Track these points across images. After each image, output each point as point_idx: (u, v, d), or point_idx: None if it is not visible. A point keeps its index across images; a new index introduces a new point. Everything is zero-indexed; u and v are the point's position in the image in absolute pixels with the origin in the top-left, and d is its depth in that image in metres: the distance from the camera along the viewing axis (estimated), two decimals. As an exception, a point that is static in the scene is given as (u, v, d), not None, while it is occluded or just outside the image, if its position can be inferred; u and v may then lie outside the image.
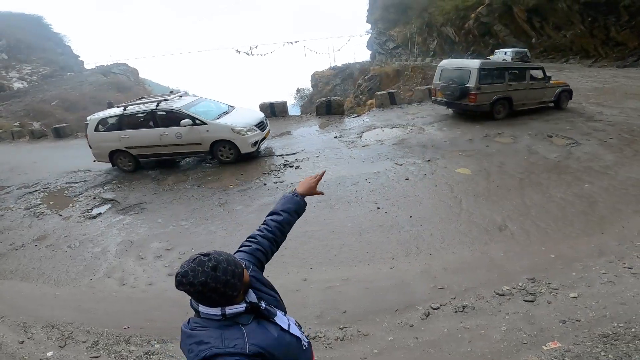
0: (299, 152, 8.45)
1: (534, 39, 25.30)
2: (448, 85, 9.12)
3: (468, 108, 9.13)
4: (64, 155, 11.48)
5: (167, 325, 3.58)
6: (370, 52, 56.47)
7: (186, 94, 9.79)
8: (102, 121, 8.63)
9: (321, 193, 1.89)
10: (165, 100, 8.60)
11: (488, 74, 8.84)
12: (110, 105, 12.66)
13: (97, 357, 3.31)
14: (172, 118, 8.15)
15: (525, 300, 3.16)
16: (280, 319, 1.39)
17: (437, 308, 3.22)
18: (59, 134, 14.65)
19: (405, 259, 4.10)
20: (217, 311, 1.27)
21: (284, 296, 3.60)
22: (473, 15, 28.60)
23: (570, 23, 21.81)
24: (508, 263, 3.80)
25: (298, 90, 54.84)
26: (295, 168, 7.49)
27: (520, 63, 12.55)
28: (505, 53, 22.37)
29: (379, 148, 8.13)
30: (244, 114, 8.93)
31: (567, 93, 9.89)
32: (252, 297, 1.33)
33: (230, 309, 1.27)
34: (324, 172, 1.92)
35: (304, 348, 1.44)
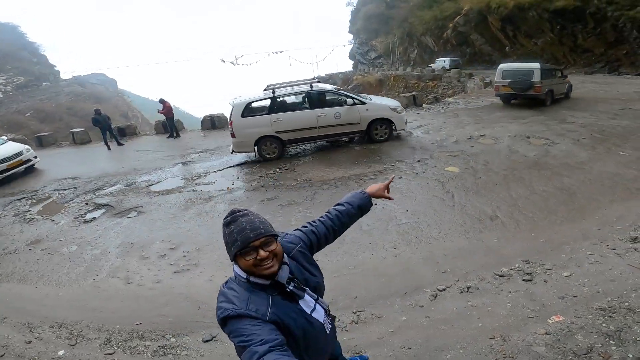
0: (294, 157, 8.63)
1: (507, 47, 26.54)
2: (516, 81, 11.49)
3: (533, 96, 11.48)
4: (49, 163, 11.25)
5: (180, 320, 3.64)
6: (352, 62, 57.42)
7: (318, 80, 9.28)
8: (249, 106, 8.17)
9: (390, 198, 1.95)
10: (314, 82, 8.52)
11: (545, 72, 11.38)
12: (97, 113, 12.52)
13: (111, 353, 3.30)
14: (323, 100, 8.21)
15: (523, 280, 3.42)
16: (306, 302, 1.42)
17: (444, 290, 3.44)
18: (41, 143, 14.30)
19: (406, 247, 4.34)
20: (244, 274, 1.35)
21: (294, 286, 3.78)
22: (451, 24, 29.77)
23: (541, 31, 23.05)
24: (502, 248, 4.09)
25: None
26: (291, 171, 7.66)
27: (551, 65, 14.58)
28: (444, 61, 28.10)
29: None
30: (381, 99, 9.44)
31: (570, 86, 13.04)
32: (284, 273, 1.37)
33: (255, 279, 1.34)
34: (392, 178, 2.03)
35: (327, 332, 1.48)
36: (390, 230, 4.76)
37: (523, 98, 11.90)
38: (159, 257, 4.93)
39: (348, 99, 8.25)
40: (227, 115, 13.27)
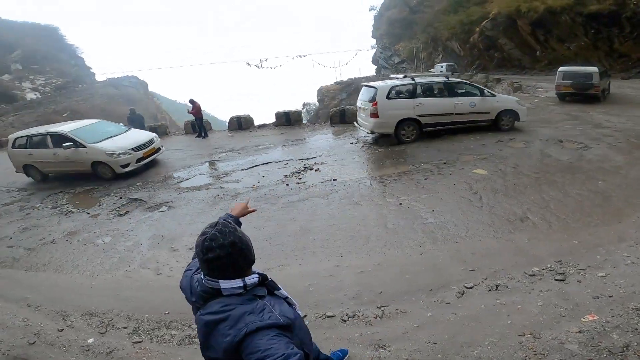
0: (317, 157, 8.72)
1: (538, 52, 25.79)
2: (578, 82, 12.72)
3: (592, 95, 12.60)
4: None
5: None
6: (375, 66, 57.26)
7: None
8: (393, 89, 8.77)
9: (253, 210, 2.04)
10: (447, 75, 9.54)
11: (602, 74, 12.80)
12: (132, 112, 13.08)
13: (139, 342, 3.38)
14: (458, 90, 9.04)
15: (556, 280, 3.34)
16: (282, 291, 1.43)
17: (471, 287, 3.40)
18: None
19: (433, 246, 4.31)
20: (239, 282, 1.27)
21: (318, 281, 3.82)
22: (478, 29, 29.23)
23: (574, 35, 22.29)
24: (533, 248, 4.00)
25: (305, 105, 55.23)
26: (315, 170, 7.74)
27: (602, 67, 15.26)
28: (442, 66, 29.82)
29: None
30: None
31: (609, 83, 14.12)
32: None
33: (249, 279, 1.29)
34: (248, 199, 2.29)
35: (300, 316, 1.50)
36: (416, 229, 4.74)
37: (583, 97, 13.02)
38: (188, 250, 5.09)
39: (481, 91, 9.11)
40: (253, 117, 13.66)
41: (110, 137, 9.52)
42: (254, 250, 1.35)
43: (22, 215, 7.71)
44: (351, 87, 50.16)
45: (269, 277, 1.39)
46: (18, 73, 46.46)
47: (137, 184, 8.56)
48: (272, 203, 6.36)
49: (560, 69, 13.79)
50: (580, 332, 2.61)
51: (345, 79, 52.51)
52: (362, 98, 9.44)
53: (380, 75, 49.88)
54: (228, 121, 13.75)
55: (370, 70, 57.13)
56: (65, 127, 9.75)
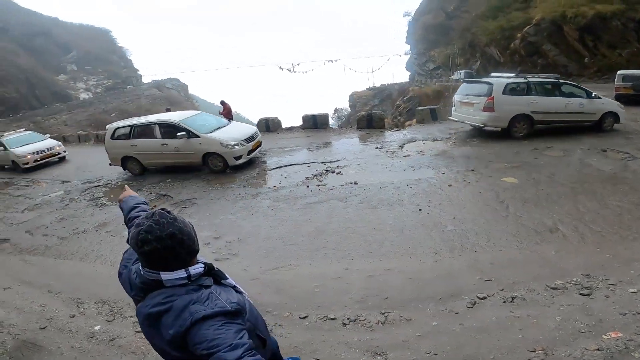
0: (340, 160, 8.64)
1: (586, 59, 24.26)
2: (639, 84, 12.95)
3: None
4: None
5: None
6: (409, 73, 56.37)
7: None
8: (509, 85, 9.03)
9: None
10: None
11: None
12: (167, 112, 13.71)
13: (140, 331, 3.50)
14: (567, 91, 9.22)
15: (580, 294, 3.07)
16: (229, 280, 1.37)
17: (484, 298, 3.19)
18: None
19: (449, 254, 4.10)
20: (182, 273, 1.19)
21: (325, 283, 3.74)
22: (519, 35, 27.98)
23: (626, 41, 20.81)
24: (561, 261, 3.71)
25: (336, 110, 55.17)
26: (337, 173, 7.67)
27: None
28: (460, 73, 33.50)
29: (420, 158, 8.14)
30: None
31: None
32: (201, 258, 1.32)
33: (194, 269, 1.22)
34: (126, 186, 2.01)
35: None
36: (433, 236, 4.54)
37: None
38: (203, 245, 5.19)
39: (588, 93, 9.14)
40: (282, 119, 13.84)
41: (218, 129, 9.09)
42: (197, 239, 1.27)
43: (62, 206, 8.25)
44: (383, 93, 49.69)
45: (215, 267, 1.31)
46: (73, 74, 50.26)
47: (167, 180, 8.90)
48: (291, 204, 6.36)
49: (619, 72, 14.18)
50: (598, 349, 2.36)
51: (377, 84, 52.02)
52: (468, 92, 9.67)
53: (414, 81, 49.00)
54: (256, 123, 14.00)
55: (404, 76, 56.24)
56: (173, 117, 9.40)
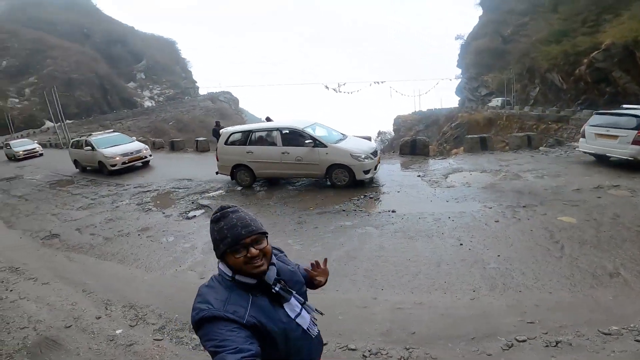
0: (380, 187, 8.37)
1: (662, 89, 22.05)
2: None
3: None
4: (174, 165, 13.29)
5: None
6: (459, 98, 54.71)
7: None
8: None
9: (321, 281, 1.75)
10: None
11: None
12: (217, 124, 14.37)
13: (160, 339, 3.48)
14: None
15: (637, 340, 2.71)
16: (291, 306, 1.35)
17: (524, 341, 2.88)
18: (173, 147, 16.98)
19: (489, 292, 3.73)
20: (229, 272, 1.29)
21: (350, 310, 3.54)
22: (586, 60, 26.17)
23: None
24: (618, 307, 3.27)
25: (379, 133, 54.61)
26: (375, 200, 7.44)
27: None
28: (497, 100, 37.50)
29: (466, 190, 7.66)
30: None
31: None
32: (272, 274, 1.32)
33: (241, 278, 1.28)
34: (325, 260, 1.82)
35: (312, 337, 1.40)
36: (473, 273, 4.16)
37: None
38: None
39: None
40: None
41: (340, 140, 8.52)
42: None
43: (112, 207, 8.80)
44: (430, 119, 48.35)
45: (275, 289, 1.31)
46: (141, 82, 55.02)
47: (218, 186, 9.17)
48: (324, 226, 6.24)
49: None
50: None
51: (424, 109, 50.99)
52: (608, 124, 8.76)
53: (464, 107, 47.19)
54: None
55: (453, 101, 54.70)
56: (296, 124, 8.66)
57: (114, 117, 49.75)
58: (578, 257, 4.34)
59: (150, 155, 13.98)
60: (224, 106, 55.23)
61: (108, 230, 7.09)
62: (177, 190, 9.73)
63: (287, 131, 8.45)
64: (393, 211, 6.59)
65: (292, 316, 1.33)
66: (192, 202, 8.48)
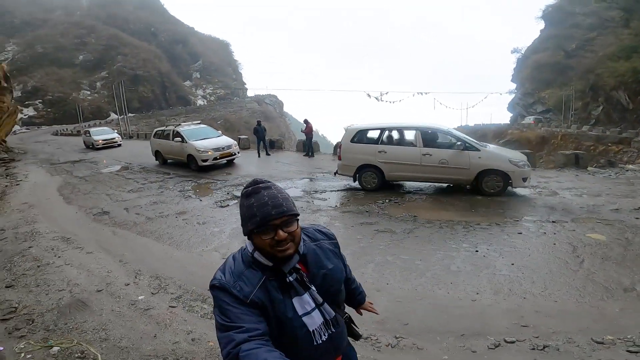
0: (405, 193, 8.35)
1: None
2: None
3: None
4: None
5: None
6: (511, 114, 51.96)
7: None
8: None
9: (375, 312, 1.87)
10: None
11: None
12: (258, 123, 15.09)
13: (174, 307, 3.84)
14: None
15: (628, 351, 2.67)
16: (302, 301, 1.25)
17: (512, 342, 2.91)
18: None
19: (492, 296, 3.75)
20: (251, 248, 1.25)
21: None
22: (656, 80, 24.06)
23: None
24: (623, 318, 3.21)
25: None
26: (399, 205, 7.51)
27: None
28: (530, 119, 37.45)
29: (496, 201, 7.51)
30: None
31: None
32: (291, 261, 1.24)
33: (259, 256, 1.23)
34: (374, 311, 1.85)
35: (315, 343, 1.26)
36: (481, 277, 4.18)
37: None
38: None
39: None
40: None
41: (486, 146, 8.01)
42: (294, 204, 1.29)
43: (158, 192, 9.63)
44: (477, 134, 46.00)
45: (289, 279, 1.24)
46: (196, 81, 58.62)
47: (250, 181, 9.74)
48: (345, 223, 6.46)
49: None
50: None
51: (471, 123, 49.03)
52: None
53: (516, 123, 44.74)
54: (334, 146, 14.48)
55: (504, 117, 52.02)
56: (438, 125, 8.41)
57: (169, 113, 53.39)
58: (596, 271, 4.21)
59: (239, 153, 13.11)
60: (269, 109, 57.14)
61: (151, 211, 7.81)
62: (215, 181, 10.43)
63: (429, 131, 8.00)
64: (415, 216, 6.65)
65: (300, 312, 1.23)
66: (227, 193, 9.07)
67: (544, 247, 5.07)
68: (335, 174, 9.08)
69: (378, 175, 8.24)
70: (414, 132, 8.04)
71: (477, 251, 4.99)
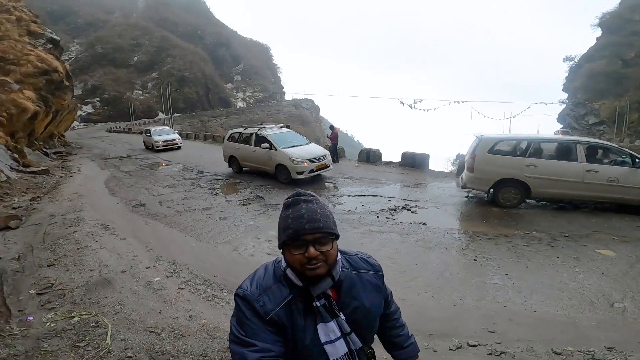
0: (421, 201, 8.48)
1: None
2: None
3: None
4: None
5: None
6: (561, 125, 48.86)
7: None
8: None
9: None
10: None
11: None
12: (287, 127, 15.64)
13: (182, 289, 4.35)
14: None
15: None
16: (327, 329, 1.18)
17: (474, 346, 3.07)
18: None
19: (473, 302, 3.91)
20: (284, 263, 1.21)
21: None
22: None
23: None
24: (594, 331, 3.26)
25: (458, 156, 51.14)
26: (411, 212, 7.64)
27: None
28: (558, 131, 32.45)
29: (514, 213, 7.44)
30: None
31: None
32: (323, 285, 1.17)
33: (290, 273, 1.19)
34: None
35: None
36: (471, 284, 4.32)
37: None
38: (266, 241, 6.03)
39: None
40: (382, 151, 14.14)
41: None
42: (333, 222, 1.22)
43: (190, 188, 10.42)
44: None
45: (316, 304, 1.18)
46: (237, 84, 61.03)
47: (268, 186, 10.28)
48: (354, 227, 6.73)
49: None
50: None
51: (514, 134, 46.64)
52: None
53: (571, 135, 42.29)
54: (359, 152, 14.67)
55: (552, 128, 48.93)
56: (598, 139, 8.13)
57: (211, 114, 56.02)
58: (588, 285, 4.23)
59: (331, 165, 11.06)
60: (305, 113, 58.18)
61: (181, 206, 8.54)
62: (242, 182, 11.07)
63: (593, 146, 7.42)
64: (424, 224, 6.79)
65: (323, 340, 1.17)
66: (251, 193, 9.65)
67: (546, 259, 5.08)
68: (462, 187, 8.35)
69: (522, 191, 7.51)
70: (574, 145, 7.32)
71: (475, 260, 5.10)
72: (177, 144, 20.18)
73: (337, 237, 1.18)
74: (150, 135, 20.29)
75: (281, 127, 12.37)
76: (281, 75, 72.64)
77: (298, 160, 10.05)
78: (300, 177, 10.01)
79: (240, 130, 12.42)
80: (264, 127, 11.77)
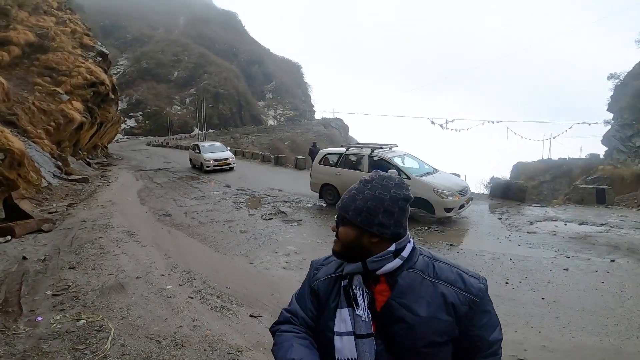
0: (449, 222, 7.96)
1: None
2: None
3: None
4: (272, 177, 15.07)
5: (253, 296, 4.37)
6: (606, 148, 45.72)
7: None
8: None
9: None
10: None
11: None
12: (314, 145, 15.74)
13: (192, 298, 4.29)
14: None
15: None
16: (342, 317, 1.06)
17: None
18: (276, 162, 19.13)
19: (503, 327, 3.52)
20: None
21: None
22: None
23: None
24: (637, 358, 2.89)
25: (492, 179, 48.59)
26: (439, 233, 7.27)
27: None
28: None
29: (548, 238, 6.85)
30: None
31: None
32: (350, 267, 1.11)
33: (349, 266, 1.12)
34: None
35: None
36: (499, 309, 3.90)
37: None
38: (283, 255, 5.90)
39: None
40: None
41: None
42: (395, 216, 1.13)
43: (216, 201, 10.57)
44: (560, 169, 41.00)
45: (344, 282, 1.13)
46: (269, 101, 62.42)
47: (291, 202, 10.22)
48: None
49: None
50: None
51: (554, 157, 44.36)
52: None
53: (610, 158, 39.37)
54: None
55: (597, 150, 45.90)
56: None
57: (242, 131, 57.49)
58: (637, 311, 3.76)
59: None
60: (335, 132, 58.43)
61: (204, 217, 8.64)
62: (267, 197, 11.09)
63: (376, 158, 8.41)
64: (451, 245, 6.42)
65: (334, 329, 1.06)
66: (274, 208, 9.60)
67: (588, 284, 4.61)
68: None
69: (335, 192, 9.23)
70: (362, 157, 8.94)
71: (507, 283, 4.71)
72: (229, 163, 16.89)
73: (352, 224, 1.09)
74: (200, 152, 17.02)
75: (394, 146, 9.46)
76: (311, 94, 73.93)
77: (447, 193, 7.68)
78: (448, 214, 7.69)
79: (341, 151, 9.68)
80: (380, 148, 8.99)
